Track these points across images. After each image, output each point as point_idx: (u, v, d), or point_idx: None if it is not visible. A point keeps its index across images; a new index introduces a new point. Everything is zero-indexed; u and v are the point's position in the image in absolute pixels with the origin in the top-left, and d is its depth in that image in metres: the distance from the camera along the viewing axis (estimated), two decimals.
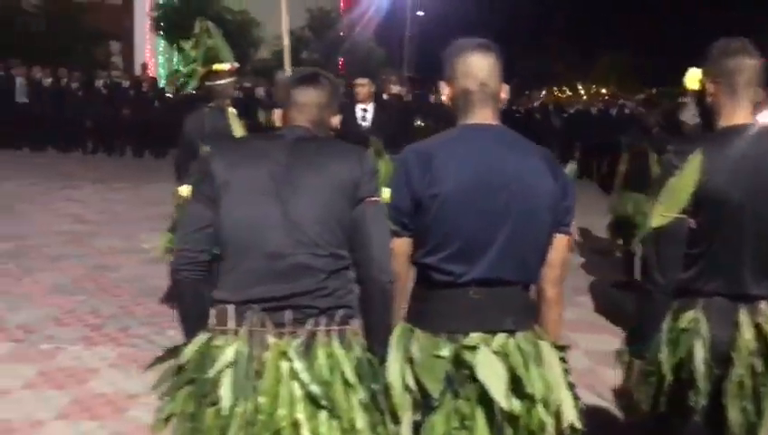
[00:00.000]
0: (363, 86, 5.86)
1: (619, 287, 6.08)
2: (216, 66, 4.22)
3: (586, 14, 33.28)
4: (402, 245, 1.91)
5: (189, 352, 1.85)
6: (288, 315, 1.81)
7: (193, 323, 1.92)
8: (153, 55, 23.89)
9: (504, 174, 1.85)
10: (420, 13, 30.71)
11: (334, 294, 1.84)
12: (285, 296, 1.81)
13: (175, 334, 4.46)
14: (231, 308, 1.82)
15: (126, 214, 8.48)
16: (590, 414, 2.07)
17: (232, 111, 4.26)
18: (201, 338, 1.86)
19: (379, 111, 6.10)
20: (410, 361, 1.87)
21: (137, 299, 5.18)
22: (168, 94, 14.64)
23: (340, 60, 20.84)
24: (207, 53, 4.21)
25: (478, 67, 1.90)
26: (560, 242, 1.94)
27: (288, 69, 4.37)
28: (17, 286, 5.38)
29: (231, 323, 1.82)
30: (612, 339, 4.70)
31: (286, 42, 4.30)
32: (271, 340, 1.78)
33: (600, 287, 6.21)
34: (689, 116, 4.07)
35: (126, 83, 14.80)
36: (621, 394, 2.55)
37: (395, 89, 10.24)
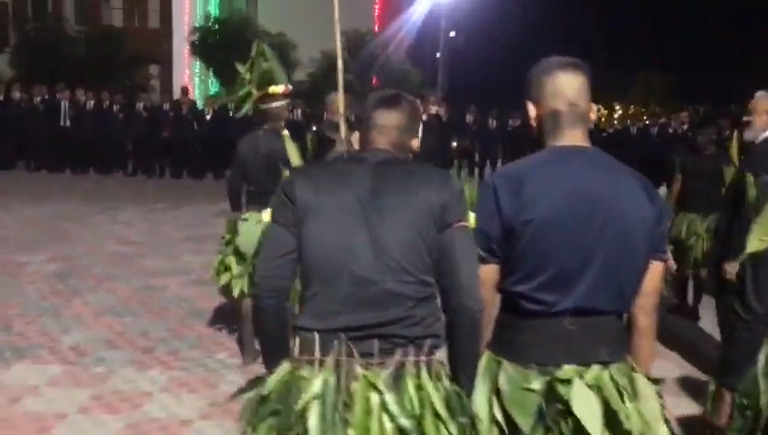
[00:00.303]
0: None
1: (672, 311, 5.89)
2: (272, 89, 4.21)
3: (623, 32, 33.19)
4: (490, 272, 1.83)
5: (273, 382, 1.79)
6: (376, 345, 1.74)
7: (276, 351, 1.87)
8: (191, 78, 24.31)
9: (598, 199, 1.76)
10: (452, 34, 30.82)
11: (422, 323, 1.77)
12: (373, 325, 1.74)
13: (225, 357, 4.45)
14: (316, 336, 1.76)
15: (169, 235, 8.54)
16: None
17: (286, 133, 4.24)
18: (284, 368, 1.80)
19: (423, 132, 6.05)
20: (497, 393, 1.79)
21: (184, 321, 5.17)
22: (207, 116, 14.85)
23: (374, 80, 20.93)
24: (263, 76, 4.21)
25: (568, 86, 1.83)
26: (655, 269, 1.84)
27: (341, 91, 4.34)
28: (67, 308, 5.42)
29: (317, 353, 1.76)
30: (667, 364, 4.54)
31: (340, 65, 4.27)
32: (359, 370, 1.72)
33: None
34: (754, 136, 3.93)
35: (166, 106, 15.00)
36: (707, 427, 2.42)
37: (434, 109, 10.24)
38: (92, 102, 14.96)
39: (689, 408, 3.92)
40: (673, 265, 5.69)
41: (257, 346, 4.46)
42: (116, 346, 4.61)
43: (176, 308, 5.49)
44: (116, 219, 9.46)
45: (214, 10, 23.85)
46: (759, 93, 3.99)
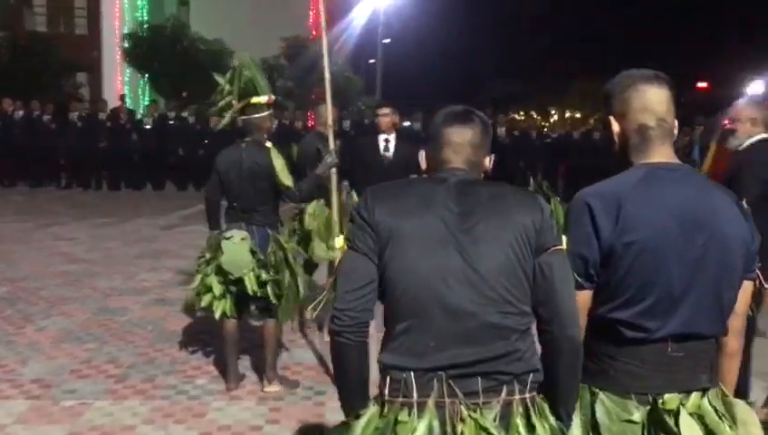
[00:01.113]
0: (386, 116, 5.66)
1: None
2: (255, 99, 4.02)
3: (556, 38, 34.20)
4: (584, 298, 1.72)
5: (364, 428, 1.63)
6: (479, 383, 1.61)
7: (357, 392, 1.71)
8: (122, 86, 23.41)
9: (700, 218, 1.69)
10: (387, 40, 30.90)
11: (524, 357, 1.65)
12: (474, 362, 1.61)
13: (205, 383, 4.21)
14: (412, 376, 1.61)
15: (118, 251, 8.11)
16: None
17: (270, 145, 4.04)
18: (372, 412, 1.65)
19: (401, 142, 5.94)
20: (594, 426, 1.69)
21: (155, 345, 4.87)
22: (146, 126, 14.31)
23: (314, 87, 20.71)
24: (245, 87, 4.01)
25: (657, 101, 1.75)
26: (747, 288, 1.79)
27: (329, 103, 4.19)
28: (20, 335, 5.03)
29: (414, 395, 1.60)
30: None
31: (327, 75, 4.12)
32: (464, 412, 1.58)
33: None
34: (738, 143, 4.01)
35: (103, 116, 14.36)
36: None
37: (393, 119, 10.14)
38: (21, 113, 14.16)
39: None
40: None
41: (240, 370, 4.27)
42: (84, 376, 4.28)
43: (142, 331, 5.18)
44: (59, 236, 8.93)
45: (143, 16, 23.05)
46: (740, 102, 4.09)
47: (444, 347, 1.61)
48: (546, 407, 1.67)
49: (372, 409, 1.66)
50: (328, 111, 4.19)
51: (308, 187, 4.08)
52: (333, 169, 4.15)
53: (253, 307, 4.23)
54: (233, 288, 4.02)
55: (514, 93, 31.17)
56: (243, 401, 3.98)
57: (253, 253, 3.95)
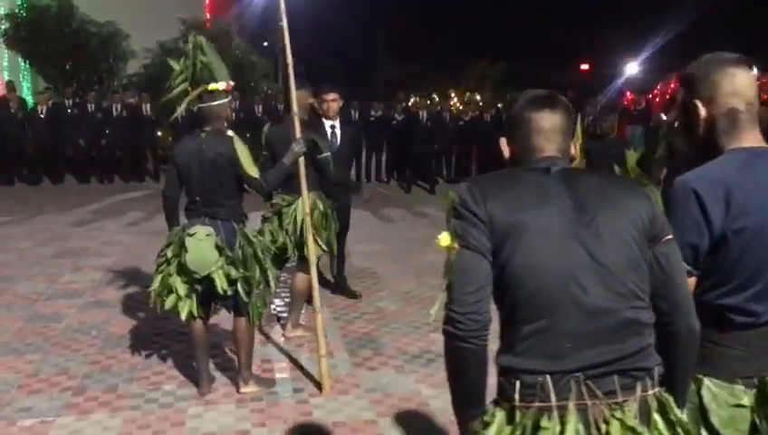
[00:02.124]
0: (335, 101, 5.51)
1: None
2: (213, 85, 3.79)
3: (455, 21, 34.72)
4: (691, 284, 1.72)
5: None
6: (616, 381, 1.56)
7: (475, 397, 1.63)
8: (1, 72, 21.60)
9: None
10: (282, 23, 30.24)
11: (654, 351, 1.63)
12: (612, 360, 1.56)
13: (174, 388, 3.99)
14: (548, 380, 1.55)
15: (34, 252, 7.51)
16: None
17: (232, 134, 3.84)
18: (499, 419, 1.58)
19: (346, 128, 5.83)
20: (702, 413, 1.71)
21: (105, 352, 4.55)
22: (41, 115, 13.31)
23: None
24: (202, 72, 3.77)
25: (746, 84, 1.76)
26: None
27: (293, 90, 4.02)
28: None
29: (552, 399, 1.54)
30: None
31: (289, 59, 3.95)
32: (607, 413, 1.54)
33: None
34: None
35: None
36: None
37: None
38: None
39: None
40: None
41: (212, 372, 4.07)
42: (35, 391, 3.94)
43: (86, 338, 4.82)
44: None
45: None
46: None
47: (581, 347, 1.56)
48: (671, 400, 1.65)
49: (498, 415, 1.59)
50: (292, 97, 4.04)
51: (275, 177, 3.91)
52: (302, 159, 4.01)
53: (219, 305, 4.03)
54: (198, 287, 3.81)
55: (413, 75, 31.49)
56: (220, 404, 3.80)
57: (219, 249, 3.75)
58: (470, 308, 1.56)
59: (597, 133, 6.03)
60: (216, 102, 3.82)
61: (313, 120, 5.86)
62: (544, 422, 1.53)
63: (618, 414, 1.54)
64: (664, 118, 9.59)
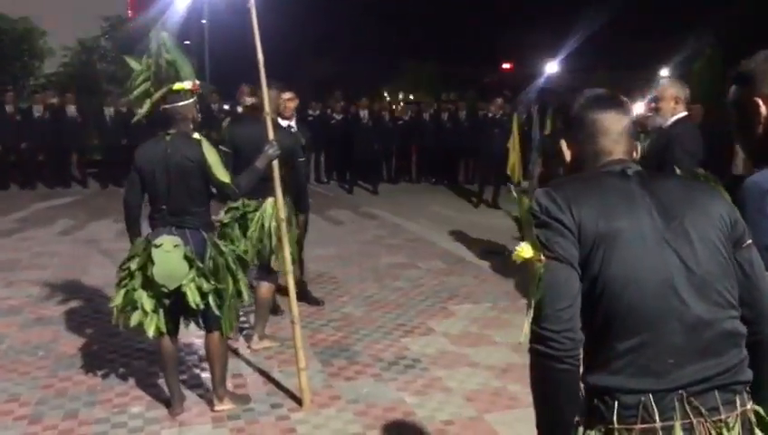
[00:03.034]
0: (291, 100, 5.34)
1: None
2: (178, 85, 3.53)
3: (388, 20, 34.59)
4: None
5: None
6: (718, 397, 1.48)
7: (569, 420, 1.51)
8: None
9: None
10: (204, 21, 29.40)
11: (747, 362, 1.55)
12: (713, 375, 1.48)
13: (142, 410, 3.72)
14: (650, 398, 1.45)
15: None
16: None
17: (197, 136, 3.59)
18: None
19: (303, 128, 5.64)
20: None
21: (58, 374, 4.19)
22: None
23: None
24: (167, 71, 3.51)
25: None
26: None
27: (265, 90, 3.81)
28: None
29: (657, 419, 1.44)
30: None
31: (260, 57, 3.73)
32: (713, 431, 1.45)
33: None
34: (663, 121, 4.25)
35: None
36: None
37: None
38: None
39: None
40: None
41: (183, 390, 3.81)
42: None
43: (32, 359, 4.44)
44: None
45: None
46: (664, 81, 4.34)
47: (683, 363, 1.46)
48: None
49: None
50: (264, 97, 3.83)
51: (248, 182, 3.68)
52: (275, 162, 3.81)
53: (188, 320, 3.78)
54: (166, 301, 3.55)
55: (341, 74, 31.20)
56: (195, 425, 3.55)
57: (189, 260, 3.50)
58: (565, 325, 1.44)
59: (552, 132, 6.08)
60: (181, 103, 3.57)
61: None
62: None
63: (724, 432, 1.46)
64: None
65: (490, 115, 11.53)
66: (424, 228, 9.09)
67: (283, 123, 5.44)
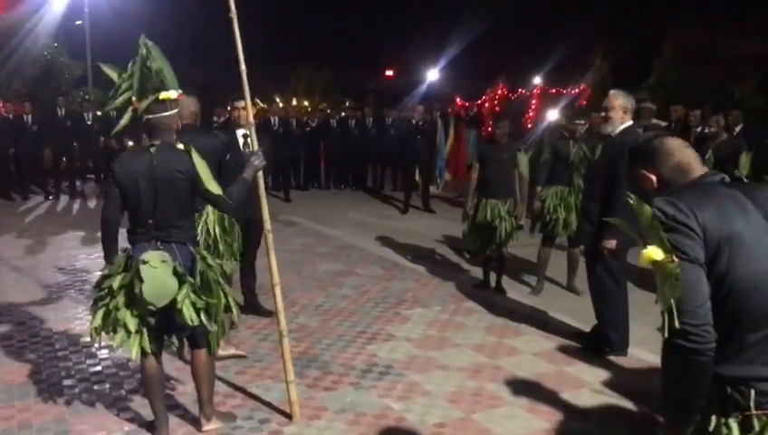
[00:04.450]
0: (243, 109, 5.21)
1: (476, 287, 6.49)
2: (164, 95, 3.39)
3: (279, 26, 34.12)
4: None
5: None
6: None
7: (698, 405, 1.66)
8: None
9: None
10: (78, 22, 27.78)
11: None
12: None
13: None
14: None
15: None
16: None
17: (182, 147, 3.46)
18: (734, 427, 1.61)
19: (263, 137, 5.52)
20: None
21: (11, 404, 3.86)
22: None
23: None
24: (152, 80, 3.37)
25: None
26: None
27: (248, 98, 3.74)
28: None
29: None
30: None
31: (243, 67, 3.66)
32: None
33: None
34: (612, 129, 4.56)
35: None
36: None
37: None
38: None
39: None
40: None
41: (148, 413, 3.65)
42: None
43: None
44: None
45: None
46: (613, 91, 4.65)
47: None
48: None
49: (733, 425, 1.63)
50: (248, 106, 3.77)
51: (239, 193, 3.59)
52: (260, 172, 3.75)
53: (173, 338, 3.63)
54: (151, 319, 3.40)
55: (228, 80, 30.33)
56: None
57: (179, 276, 3.37)
58: (703, 320, 1.60)
59: (491, 139, 6.34)
60: (167, 113, 3.43)
61: (227, 128, 5.57)
62: None
63: None
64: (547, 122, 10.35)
65: (414, 122, 11.73)
66: (349, 235, 9.14)
67: (239, 132, 5.34)
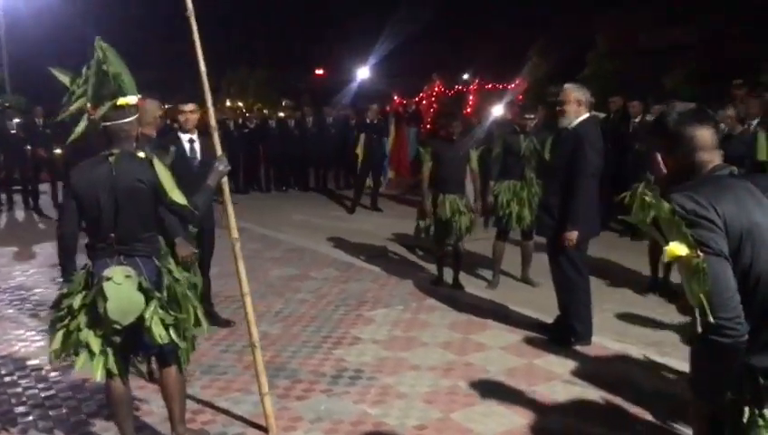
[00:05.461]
0: (192, 112, 5.06)
1: (434, 283, 6.49)
2: (122, 100, 3.20)
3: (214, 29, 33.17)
4: None
5: None
6: None
7: (726, 387, 1.70)
8: None
9: None
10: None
11: None
12: None
13: None
14: None
15: None
16: None
17: (144, 155, 3.28)
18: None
19: (206, 141, 5.34)
20: None
21: None
22: None
23: None
24: (113, 84, 3.17)
25: None
26: None
27: (209, 101, 3.58)
28: None
29: None
30: None
31: (203, 68, 3.50)
32: None
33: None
34: (568, 122, 4.62)
35: None
36: None
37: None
38: None
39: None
40: None
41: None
42: None
43: None
44: None
45: None
46: (567, 85, 4.71)
47: None
48: None
49: None
50: (209, 110, 3.62)
51: (204, 201, 3.43)
52: (225, 178, 3.61)
53: (141, 357, 3.45)
54: (116, 338, 3.22)
55: (159, 82, 29.44)
56: None
57: (145, 291, 3.20)
58: (735, 312, 1.61)
59: (447, 137, 6.34)
60: (126, 120, 3.25)
61: (170, 133, 5.38)
62: None
63: None
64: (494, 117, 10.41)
65: (368, 121, 11.63)
66: (297, 238, 8.99)
67: (185, 137, 5.17)
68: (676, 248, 1.63)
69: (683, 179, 1.84)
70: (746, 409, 1.72)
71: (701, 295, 1.59)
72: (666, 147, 1.89)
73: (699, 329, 1.62)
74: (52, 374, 4.38)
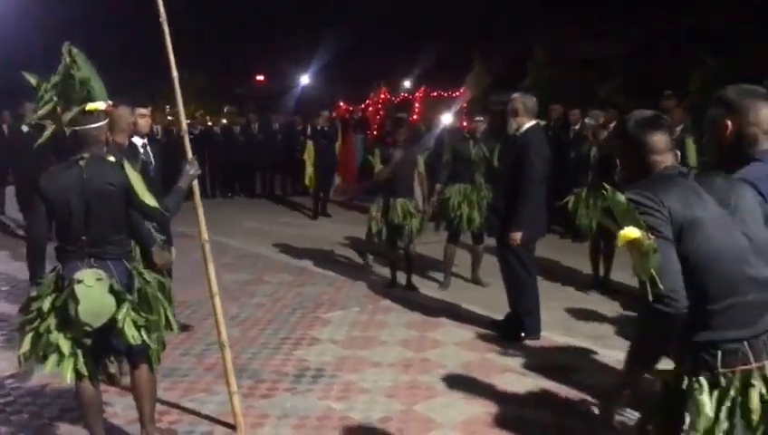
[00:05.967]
0: (144, 116, 5.09)
1: (388, 286, 6.68)
2: (91, 105, 3.26)
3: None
4: None
5: (713, 401, 1.87)
6: None
7: (661, 354, 1.94)
8: None
9: None
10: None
11: None
12: None
13: None
14: (745, 345, 1.88)
15: None
16: None
17: (113, 159, 3.33)
18: (705, 384, 1.90)
19: (156, 146, 5.37)
20: None
21: None
22: None
23: None
24: (82, 90, 3.23)
25: None
26: None
27: (180, 106, 3.66)
28: None
29: (752, 360, 1.88)
30: None
31: (174, 73, 3.58)
32: None
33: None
34: (516, 128, 4.87)
35: None
36: None
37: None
38: None
39: None
40: None
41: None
42: None
43: None
44: None
45: None
46: (515, 95, 4.98)
47: (764, 314, 1.92)
48: None
49: (704, 383, 1.89)
50: (180, 114, 3.70)
51: (175, 204, 3.51)
52: (195, 181, 3.69)
53: (112, 359, 3.49)
54: (87, 340, 3.26)
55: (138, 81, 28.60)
56: None
57: (116, 294, 3.25)
58: (678, 286, 1.86)
59: (393, 143, 6.56)
60: (95, 125, 3.30)
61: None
62: (754, 380, 1.88)
63: None
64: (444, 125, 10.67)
65: (318, 127, 11.72)
66: (248, 243, 9.02)
67: (138, 141, 5.18)
68: (630, 232, 1.86)
69: (639, 178, 2.08)
70: (686, 377, 1.96)
71: (651, 271, 1.82)
72: (625, 149, 2.14)
73: (650, 298, 1.85)
74: (9, 381, 4.34)
